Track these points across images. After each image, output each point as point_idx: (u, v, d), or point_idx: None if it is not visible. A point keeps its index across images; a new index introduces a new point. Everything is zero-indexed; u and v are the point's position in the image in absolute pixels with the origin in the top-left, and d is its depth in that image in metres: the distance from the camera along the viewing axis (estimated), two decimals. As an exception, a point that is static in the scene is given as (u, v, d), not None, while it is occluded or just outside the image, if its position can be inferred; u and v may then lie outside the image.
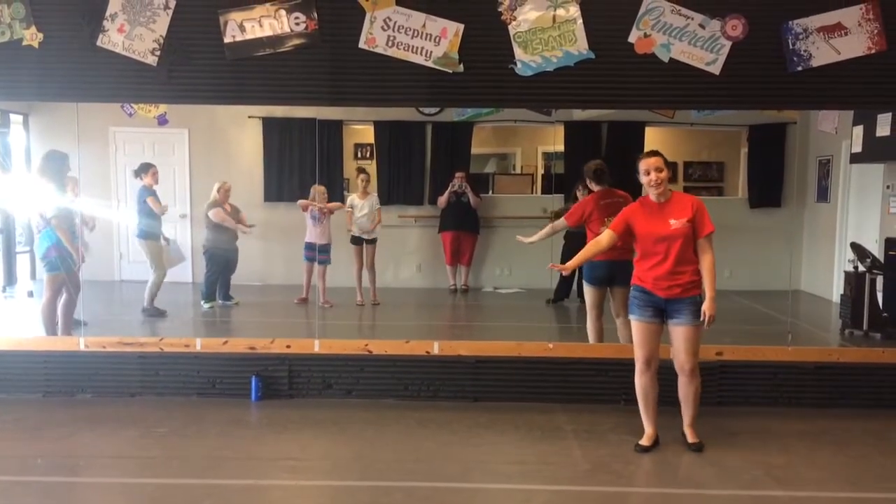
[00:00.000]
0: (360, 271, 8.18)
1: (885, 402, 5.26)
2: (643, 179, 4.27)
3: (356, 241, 8.19)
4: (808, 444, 4.59)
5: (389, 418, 4.98)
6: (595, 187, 5.71)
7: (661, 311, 4.31)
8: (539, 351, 5.38)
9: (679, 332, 4.30)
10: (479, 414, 5.08)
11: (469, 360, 5.37)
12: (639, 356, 4.40)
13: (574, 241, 6.99)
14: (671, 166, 9.84)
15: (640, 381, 4.43)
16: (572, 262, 4.58)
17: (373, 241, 8.21)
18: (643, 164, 4.25)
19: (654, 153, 4.31)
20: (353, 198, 8.25)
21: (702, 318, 4.22)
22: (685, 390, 4.41)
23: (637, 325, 4.37)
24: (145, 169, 7.38)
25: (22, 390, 5.39)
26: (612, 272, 5.43)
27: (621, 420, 4.92)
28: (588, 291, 5.71)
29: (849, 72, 4.98)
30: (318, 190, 8.04)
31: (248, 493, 3.87)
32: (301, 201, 8.06)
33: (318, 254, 7.90)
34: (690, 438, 4.43)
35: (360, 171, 8.36)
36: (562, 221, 5.78)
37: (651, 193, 4.30)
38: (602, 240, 4.44)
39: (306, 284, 8.08)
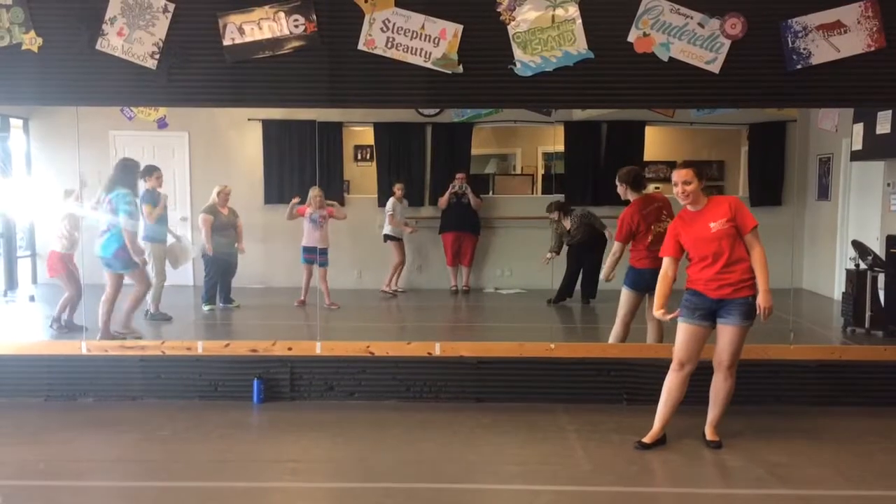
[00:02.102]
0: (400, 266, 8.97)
1: (888, 400, 5.25)
2: (674, 191, 4.35)
3: (392, 238, 8.91)
4: (810, 443, 4.59)
5: (391, 420, 4.98)
6: (632, 195, 5.55)
7: (711, 314, 4.32)
8: (541, 351, 5.38)
9: (726, 330, 4.31)
10: (481, 415, 5.08)
11: (471, 361, 5.37)
12: (676, 356, 4.40)
13: (579, 249, 6.99)
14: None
15: (670, 379, 4.43)
16: (658, 308, 4.40)
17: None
18: (673, 176, 4.33)
19: (686, 164, 4.36)
20: (392, 202, 8.94)
21: (758, 312, 4.24)
22: (718, 387, 4.44)
23: (684, 328, 4.36)
24: (149, 172, 7.33)
25: (24, 394, 5.39)
26: (656, 279, 5.07)
27: (624, 420, 4.92)
28: (628, 296, 5.54)
29: (848, 69, 4.98)
30: (315, 193, 8.05)
31: (250, 495, 3.87)
32: (299, 207, 8.06)
33: (319, 256, 7.91)
34: (710, 436, 4.47)
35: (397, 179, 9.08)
36: (618, 245, 5.56)
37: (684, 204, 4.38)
38: (668, 273, 4.42)
39: (305, 287, 8.10)
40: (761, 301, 4.22)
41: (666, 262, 4.44)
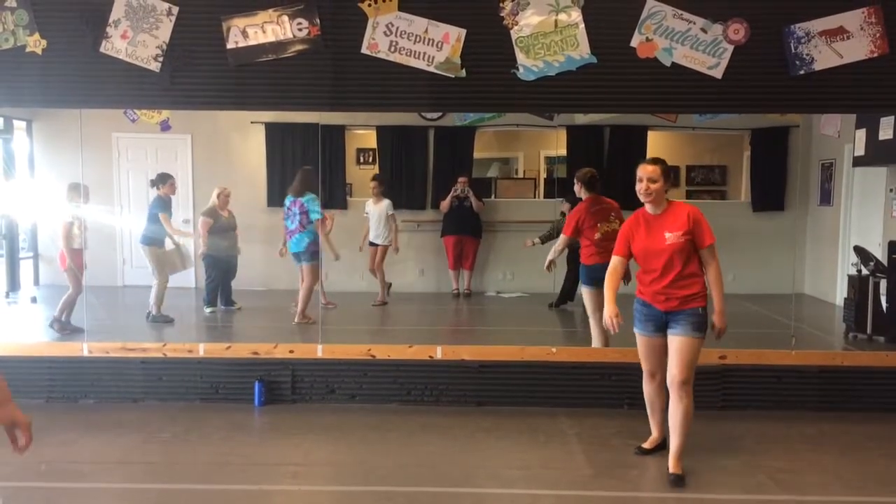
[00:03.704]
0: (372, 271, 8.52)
1: (889, 406, 5.25)
2: (636, 187, 4.02)
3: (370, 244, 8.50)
4: (811, 448, 4.58)
5: (392, 423, 4.98)
6: (585, 194, 5.83)
7: (663, 325, 4.09)
8: (542, 355, 5.38)
9: (673, 342, 4.02)
10: (482, 418, 5.08)
11: (472, 365, 5.37)
12: (643, 367, 4.30)
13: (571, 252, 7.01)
14: (673, 171, 10.05)
15: (646, 390, 4.35)
16: (609, 303, 4.08)
17: (375, 245, 8.41)
18: (638, 171, 4.02)
19: (654, 161, 4.05)
20: (368, 203, 8.50)
21: (713, 332, 4.06)
22: (672, 410, 4.04)
23: (639, 339, 4.23)
24: (164, 179, 7.42)
25: (25, 395, 5.38)
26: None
27: (625, 424, 4.92)
28: (588, 294, 5.72)
29: (851, 75, 4.98)
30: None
31: (251, 498, 3.87)
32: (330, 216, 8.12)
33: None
34: (672, 468, 4.06)
35: (373, 177, 8.59)
36: (563, 238, 5.87)
37: (644, 203, 4.08)
38: (617, 268, 4.18)
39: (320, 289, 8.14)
40: (716, 321, 4.05)
41: (615, 260, 4.19)
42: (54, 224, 6.68)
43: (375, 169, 9.57)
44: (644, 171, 4.00)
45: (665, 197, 4.07)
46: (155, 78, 5.09)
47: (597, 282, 5.43)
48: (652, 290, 4.07)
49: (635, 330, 4.22)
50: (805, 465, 4.30)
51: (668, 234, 3.98)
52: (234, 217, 7.97)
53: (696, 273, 4.03)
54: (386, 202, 8.33)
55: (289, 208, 7.34)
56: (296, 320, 7.24)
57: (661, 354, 4.15)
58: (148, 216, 7.43)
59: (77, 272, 6.63)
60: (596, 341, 5.67)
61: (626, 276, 4.63)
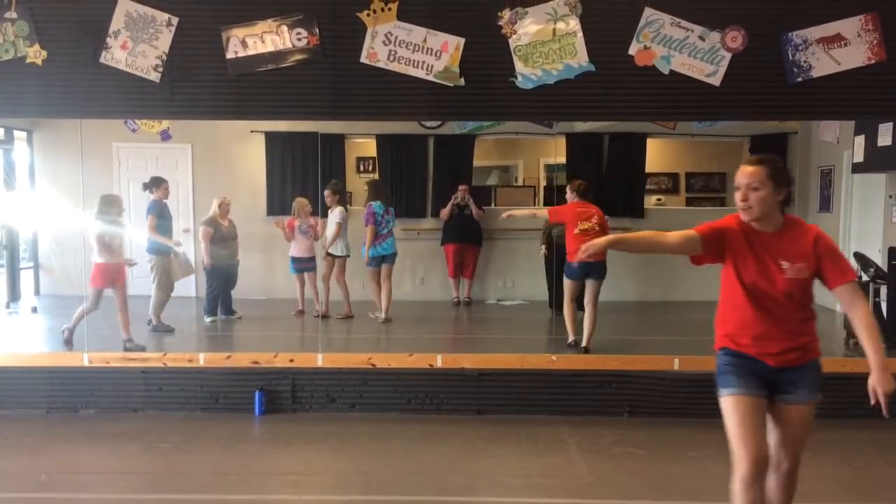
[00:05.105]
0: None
1: (891, 413, 5.22)
2: (735, 196, 2.91)
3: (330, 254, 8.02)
4: (812, 456, 4.52)
5: (393, 432, 4.97)
6: (576, 200, 6.47)
7: (770, 385, 2.93)
8: (542, 363, 5.38)
9: (792, 412, 2.94)
10: (482, 427, 5.07)
11: (472, 373, 5.37)
12: (742, 457, 2.83)
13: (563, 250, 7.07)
14: (672, 178, 10.12)
15: (745, 498, 2.84)
16: (604, 240, 2.96)
17: (331, 256, 7.97)
18: (736, 176, 2.90)
19: (758, 161, 2.90)
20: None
21: (873, 395, 2.85)
22: (778, 496, 3.06)
23: (735, 403, 2.90)
24: (157, 183, 7.30)
25: (25, 406, 5.39)
26: (587, 270, 6.24)
27: (625, 432, 4.91)
28: (567, 285, 6.49)
29: (849, 82, 5.00)
30: (300, 203, 8.03)
31: (252, 508, 3.86)
32: (288, 220, 8.05)
33: (306, 264, 7.96)
34: None
35: (328, 185, 8.07)
36: (544, 212, 6.82)
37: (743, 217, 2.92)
38: (671, 238, 2.95)
39: (301, 296, 8.12)
40: (877, 383, 2.80)
41: (682, 235, 2.94)
42: (89, 238, 6.33)
43: (376, 177, 9.58)
44: (743, 175, 2.87)
45: (779, 210, 2.90)
46: (155, 88, 5.11)
47: (576, 275, 6.40)
48: (759, 340, 2.91)
49: (725, 392, 2.95)
50: (807, 472, 4.26)
51: (785, 265, 2.86)
52: (235, 227, 7.96)
53: (813, 313, 2.99)
54: (337, 209, 7.93)
55: (382, 216, 7.73)
56: (383, 318, 7.71)
57: (763, 423, 2.95)
58: (148, 224, 7.33)
59: (101, 291, 6.31)
60: (568, 327, 6.46)
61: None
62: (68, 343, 6.25)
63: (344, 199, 8.22)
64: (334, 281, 7.96)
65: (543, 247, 8.08)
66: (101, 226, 6.24)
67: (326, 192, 7.98)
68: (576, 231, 6.23)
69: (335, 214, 7.90)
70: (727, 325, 3.00)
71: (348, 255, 8.01)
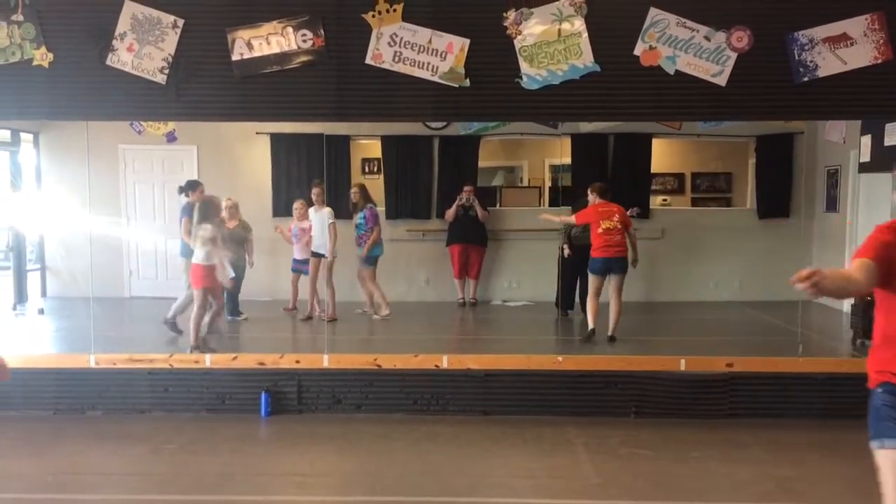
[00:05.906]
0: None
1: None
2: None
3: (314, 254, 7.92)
4: (819, 456, 4.56)
5: (398, 432, 4.98)
6: (597, 200, 6.78)
7: None
8: (548, 364, 5.37)
9: None
10: (488, 427, 5.07)
11: (478, 374, 5.37)
12: None
13: (581, 251, 7.08)
14: (678, 178, 10.12)
15: None
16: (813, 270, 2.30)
17: (322, 256, 7.83)
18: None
19: None
20: (311, 211, 7.93)
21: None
22: None
23: (892, 456, 2.44)
24: (192, 186, 7.20)
25: (32, 407, 5.41)
26: (609, 265, 6.63)
27: (631, 433, 4.90)
28: (591, 280, 6.79)
29: (855, 82, 4.98)
30: (297, 205, 8.02)
31: (258, 509, 3.87)
32: (280, 227, 8.13)
33: (303, 265, 7.96)
34: None
35: (315, 183, 7.99)
36: (572, 219, 7.03)
37: None
38: (853, 274, 2.44)
39: (293, 295, 8.12)
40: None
41: (860, 265, 2.45)
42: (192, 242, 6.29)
43: (381, 179, 9.59)
44: None
45: None
46: (161, 90, 5.12)
47: (599, 271, 6.72)
48: None
49: (890, 444, 2.45)
50: (812, 473, 4.28)
51: None
52: (249, 228, 7.84)
53: None
54: (327, 210, 7.76)
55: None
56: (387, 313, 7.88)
57: None
58: (182, 227, 7.24)
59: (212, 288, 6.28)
60: (590, 318, 6.71)
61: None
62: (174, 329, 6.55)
63: (369, 198, 8.15)
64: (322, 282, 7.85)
65: (566, 246, 7.99)
66: (212, 230, 6.11)
67: (316, 191, 7.83)
68: (599, 230, 6.60)
69: (327, 213, 7.74)
70: (889, 355, 2.43)
71: (335, 256, 7.87)
